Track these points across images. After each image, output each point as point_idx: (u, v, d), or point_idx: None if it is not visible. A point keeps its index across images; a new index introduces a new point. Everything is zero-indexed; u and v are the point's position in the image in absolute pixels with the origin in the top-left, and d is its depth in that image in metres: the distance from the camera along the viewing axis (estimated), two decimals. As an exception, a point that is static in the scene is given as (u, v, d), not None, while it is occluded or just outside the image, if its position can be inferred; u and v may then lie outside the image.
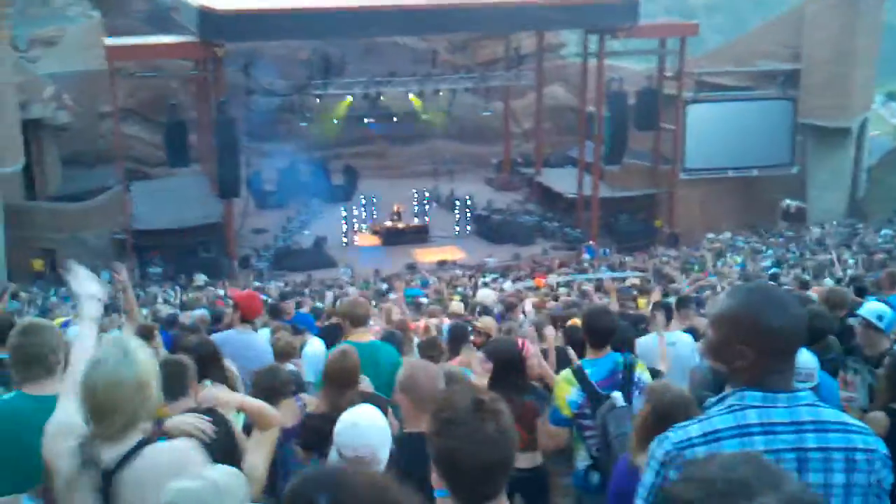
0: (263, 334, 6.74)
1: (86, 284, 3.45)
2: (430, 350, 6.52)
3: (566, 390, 4.93)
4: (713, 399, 2.36)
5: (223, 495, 2.36)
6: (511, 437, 2.21)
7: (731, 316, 2.31)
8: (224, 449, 3.40)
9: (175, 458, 2.84)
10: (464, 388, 2.60)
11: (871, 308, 5.45)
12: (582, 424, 4.90)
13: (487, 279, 24.32)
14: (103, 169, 33.77)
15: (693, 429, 2.26)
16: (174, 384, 4.02)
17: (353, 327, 6.21)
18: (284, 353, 6.43)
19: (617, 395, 4.73)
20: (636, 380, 4.97)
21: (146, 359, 2.82)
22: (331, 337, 8.38)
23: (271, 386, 4.95)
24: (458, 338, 7.10)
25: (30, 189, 32.07)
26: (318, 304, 13.50)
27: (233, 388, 4.85)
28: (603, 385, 4.90)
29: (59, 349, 3.65)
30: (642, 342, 6.76)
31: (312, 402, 5.39)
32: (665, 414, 3.52)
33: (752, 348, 2.25)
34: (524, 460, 5.03)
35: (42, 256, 29.91)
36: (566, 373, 5.01)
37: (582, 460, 4.97)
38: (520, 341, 5.39)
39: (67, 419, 2.89)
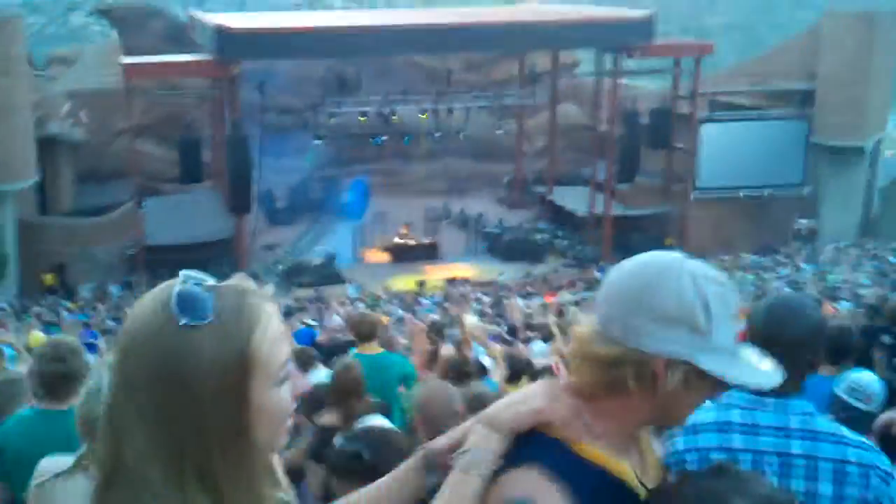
0: None
1: None
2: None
3: None
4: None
5: None
6: None
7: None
8: None
9: None
10: None
11: None
12: None
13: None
14: (116, 185, 33.91)
15: None
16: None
17: (362, 342, 6.62)
18: None
19: None
20: None
21: None
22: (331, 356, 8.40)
23: None
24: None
25: (43, 205, 32.21)
26: (312, 321, 13.57)
27: None
28: None
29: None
30: None
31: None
32: None
33: None
34: None
35: (53, 271, 30.01)
36: None
37: None
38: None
39: None
